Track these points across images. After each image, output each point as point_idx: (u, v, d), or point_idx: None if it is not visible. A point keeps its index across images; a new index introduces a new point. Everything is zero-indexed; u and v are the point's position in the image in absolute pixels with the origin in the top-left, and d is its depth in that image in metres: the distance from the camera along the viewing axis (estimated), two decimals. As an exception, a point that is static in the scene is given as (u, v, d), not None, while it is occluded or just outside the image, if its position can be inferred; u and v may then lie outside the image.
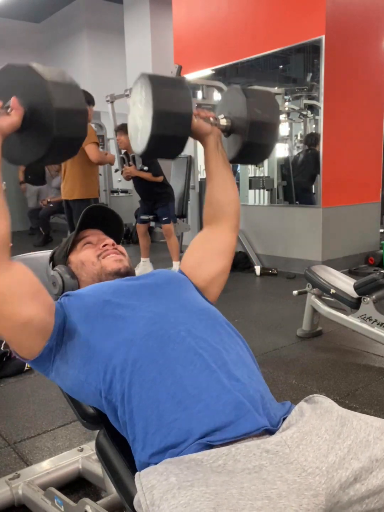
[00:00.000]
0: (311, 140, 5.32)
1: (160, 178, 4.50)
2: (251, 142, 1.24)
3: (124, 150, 4.62)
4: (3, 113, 0.94)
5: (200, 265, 1.20)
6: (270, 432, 0.85)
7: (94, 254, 1.18)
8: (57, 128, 0.95)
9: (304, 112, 5.37)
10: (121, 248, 1.23)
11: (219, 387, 0.87)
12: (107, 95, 4.60)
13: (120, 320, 0.97)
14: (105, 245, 1.19)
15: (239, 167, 5.95)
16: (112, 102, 4.58)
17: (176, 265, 4.61)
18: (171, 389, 0.87)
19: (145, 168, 4.45)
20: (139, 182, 4.61)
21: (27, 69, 0.96)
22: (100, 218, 1.26)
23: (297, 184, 5.32)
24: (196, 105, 4.63)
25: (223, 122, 1.27)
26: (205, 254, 1.21)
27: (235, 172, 6.01)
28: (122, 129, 4.54)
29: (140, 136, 1.14)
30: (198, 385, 0.87)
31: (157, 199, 4.58)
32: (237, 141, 1.26)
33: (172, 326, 0.96)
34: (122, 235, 1.33)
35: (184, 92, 1.13)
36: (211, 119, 1.24)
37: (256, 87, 1.32)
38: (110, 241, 1.21)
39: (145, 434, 0.85)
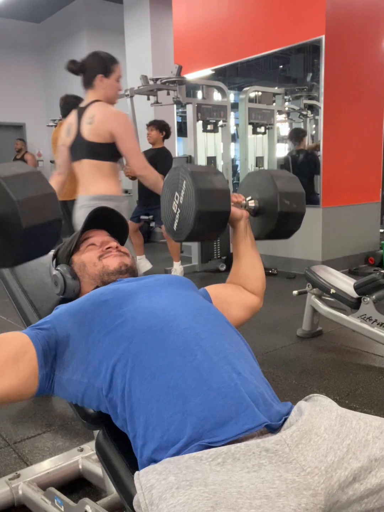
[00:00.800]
0: (295, 137, 5.32)
1: (159, 180, 4.50)
2: (279, 229, 1.33)
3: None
4: None
5: (227, 304, 1.23)
6: (271, 427, 0.85)
7: (96, 255, 1.18)
8: (26, 244, 0.93)
9: (304, 112, 5.37)
10: (124, 249, 1.23)
11: (220, 380, 0.87)
12: (126, 90, 4.65)
13: (119, 318, 0.97)
14: (108, 248, 1.19)
15: (239, 168, 5.95)
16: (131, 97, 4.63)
17: (176, 266, 4.61)
18: (171, 382, 0.86)
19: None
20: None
21: None
22: (105, 219, 1.26)
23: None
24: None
25: (252, 204, 1.35)
26: (235, 298, 1.27)
27: (234, 172, 6.01)
28: (154, 124, 4.65)
29: (177, 224, 1.22)
30: (198, 377, 0.87)
31: (158, 200, 4.57)
32: (264, 223, 1.35)
33: (172, 318, 0.96)
34: (127, 236, 1.33)
35: (224, 188, 1.19)
36: (242, 202, 1.32)
37: (282, 172, 1.38)
38: (114, 243, 1.21)
39: (145, 429, 0.85)
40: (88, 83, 2.33)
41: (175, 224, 1.23)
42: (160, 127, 4.75)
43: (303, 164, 5.16)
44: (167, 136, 4.87)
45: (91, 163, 2.34)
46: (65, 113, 4.08)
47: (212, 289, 1.25)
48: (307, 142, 5.36)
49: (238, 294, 1.28)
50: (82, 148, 2.35)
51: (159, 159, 4.53)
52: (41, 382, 0.95)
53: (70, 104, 4.04)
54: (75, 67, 2.31)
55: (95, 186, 2.39)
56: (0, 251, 0.96)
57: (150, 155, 4.66)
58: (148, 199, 4.68)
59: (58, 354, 0.97)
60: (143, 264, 4.68)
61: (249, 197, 1.35)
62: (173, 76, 4.54)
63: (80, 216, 2.46)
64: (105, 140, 2.27)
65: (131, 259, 1.22)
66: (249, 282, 1.30)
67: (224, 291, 1.28)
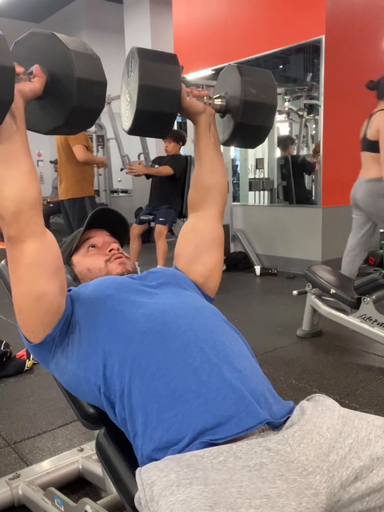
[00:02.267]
0: (283, 144, 5.38)
1: (169, 171, 4.52)
2: (244, 123, 1.18)
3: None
4: (26, 79, 0.95)
5: (194, 261, 1.19)
6: (272, 425, 0.86)
7: (102, 260, 1.19)
8: (77, 97, 0.95)
9: (301, 113, 5.39)
10: (125, 253, 1.24)
11: (220, 381, 0.87)
12: (107, 96, 4.60)
13: (121, 315, 0.97)
14: (111, 250, 1.20)
15: (239, 168, 5.95)
16: (109, 103, 4.57)
17: None
18: (171, 384, 0.87)
19: (156, 165, 4.49)
20: (158, 182, 4.67)
21: (51, 37, 0.96)
22: (107, 219, 1.26)
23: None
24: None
25: (218, 101, 1.21)
26: (196, 249, 1.19)
27: (234, 172, 6.01)
28: (170, 136, 4.61)
29: (129, 113, 1.12)
30: (197, 379, 0.87)
31: (166, 200, 4.60)
32: (230, 122, 1.21)
33: (172, 320, 0.96)
34: (128, 236, 1.33)
35: (173, 67, 1.10)
36: (205, 98, 1.19)
37: (253, 68, 1.26)
38: (115, 245, 1.21)
39: (145, 429, 0.86)
40: (380, 96, 3.62)
41: (127, 113, 1.13)
42: (177, 138, 4.73)
43: (294, 167, 5.23)
44: (183, 144, 4.88)
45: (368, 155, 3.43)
46: None
47: (177, 260, 1.22)
48: (297, 147, 5.45)
49: (195, 242, 1.19)
50: (364, 144, 3.48)
51: (177, 166, 4.56)
52: (47, 337, 0.97)
53: None
54: (372, 85, 3.61)
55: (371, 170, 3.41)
56: (52, 112, 0.99)
57: (166, 161, 4.69)
58: (154, 200, 4.70)
59: (68, 333, 0.99)
60: None
61: (217, 95, 1.23)
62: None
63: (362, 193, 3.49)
64: (375, 138, 3.38)
65: (133, 264, 1.23)
66: (208, 193, 1.20)
67: (184, 254, 1.21)
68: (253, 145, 1.29)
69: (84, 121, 1.05)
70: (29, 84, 0.94)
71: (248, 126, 1.19)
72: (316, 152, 4.98)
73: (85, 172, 4.07)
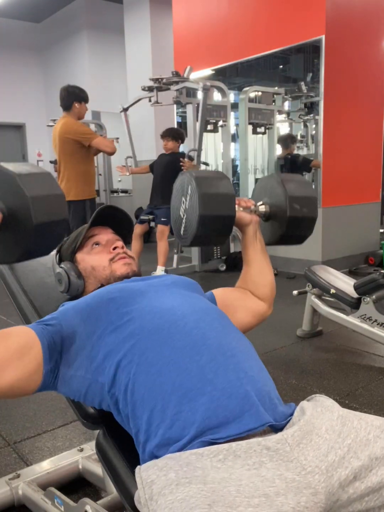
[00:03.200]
0: (285, 143, 5.38)
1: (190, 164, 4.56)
2: (289, 234, 1.30)
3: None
4: None
5: (233, 308, 1.22)
6: (275, 428, 0.86)
7: (107, 259, 1.18)
8: (34, 240, 0.94)
9: (300, 113, 5.40)
10: (130, 252, 1.23)
11: (225, 380, 0.87)
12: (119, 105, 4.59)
13: (126, 315, 0.97)
14: (115, 248, 1.20)
15: (239, 167, 5.95)
16: (125, 111, 4.59)
17: (159, 270, 4.56)
18: (177, 381, 0.87)
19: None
20: (160, 181, 4.68)
21: (11, 178, 0.93)
22: (111, 217, 1.26)
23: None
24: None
25: (262, 209, 1.32)
26: (242, 303, 1.25)
27: (234, 172, 6.01)
28: (168, 135, 4.64)
29: (184, 229, 1.22)
30: (203, 377, 0.87)
31: (165, 200, 4.60)
32: (275, 229, 1.32)
33: (179, 318, 0.96)
34: (131, 234, 1.34)
35: (229, 192, 1.19)
36: (251, 207, 1.30)
37: (293, 176, 1.37)
38: (120, 243, 1.21)
39: (149, 425, 0.86)
40: None
41: (182, 229, 1.23)
42: (176, 136, 4.73)
43: (294, 167, 5.24)
44: (182, 142, 4.87)
45: None
46: (66, 104, 3.91)
47: (219, 292, 1.25)
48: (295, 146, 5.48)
49: (244, 298, 1.27)
50: None
51: (177, 165, 4.55)
52: (45, 377, 0.95)
53: (72, 95, 3.93)
54: None
55: None
56: (6, 246, 0.98)
57: (166, 160, 4.68)
58: (155, 199, 4.70)
59: (64, 350, 0.98)
60: None
61: (260, 202, 1.34)
62: (185, 78, 4.52)
63: None
64: None
65: (137, 264, 1.23)
66: (257, 288, 1.28)
67: (231, 295, 1.27)
68: (294, 245, 1.40)
69: (40, 255, 1.04)
70: None
71: (292, 236, 1.32)
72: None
73: (87, 173, 3.99)
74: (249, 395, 0.86)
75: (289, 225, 1.27)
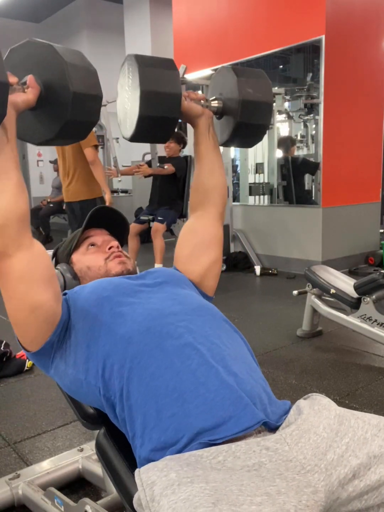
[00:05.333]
0: (285, 145, 5.39)
1: (171, 169, 4.55)
2: (243, 123, 1.19)
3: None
4: (19, 90, 0.93)
5: (191, 260, 1.20)
6: (268, 425, 0.86)
7: (102, 258, 1.18)
8: (72, 111, 0.94)
9: (291, 114, 5.41)
10: (125, 252, 1.23)
11: (217, 382, 0.87)
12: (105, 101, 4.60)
13: (119, 317, 0.98)
14: (110, 248, 1.19)
15: (239, 168, 5.95)
16: (104, 105, 4.57)
17: (157, 267, 4.58)
18: (170, 384, 0.87)
19: (166, 166, 4.52)
20: (159, 183, 4.69)
21: (48, 48, 0.95)
22: (106, 218, 1.26)
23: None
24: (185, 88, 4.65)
25: (215, 103, 1.23)
26: (194, 249, 1.20)
27: (234, 173, 6.01)
28: (173, 137, 4.63)
29: (129, 119, 1.12)
30: (196, 380, 0.87)
31: (166, 202, 4.61)
32: (229, 122, 1.22)
33: (170, 322, 0.96)
34: (127, 235, 1.33)
35: (172, 72, 1.10)
36: (202, 101, 1.21)
37: (246, 68, 1.26)
38: (115, 243, 1.21)
39: (143, 429, 0.86)
40: None
41: (127, 122, 1.13)
42: (179, 139, 4.74)
43: (296, 169, 5.25)
44: (184, 146, 4.89)
45: None
46: None
47: (176, 261, 1.23)
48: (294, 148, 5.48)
49: (194, 242, 1.20)
50: None
51: (178, 166, 4.58)
52: (46, 344, 0.97)
53: None
54: None
55: None
56: (44, 123, 0.98)
57: (166, 162, 4.69)
58: (154, 201, 4.72)
59: (66, 337, 0.99)
60: None
61: (213, 97, 1.26)
62: (180, 77, 4.53)
63: None
64: None
65: (133, 263, 1.23)
66: (208, 195, 1.21)
67: (182, 253, 1.22)
68: (252, 144, 1.30)
69: (78, 134, 1.04)
70: (22, 95, 0.92)
71: (248, 125, 1.20)
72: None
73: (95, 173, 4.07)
74: (241, 396, 0.86)
75: (242, 111, 1.16)
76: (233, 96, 1.18)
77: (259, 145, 5.34)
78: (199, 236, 1.20)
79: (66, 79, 0.92)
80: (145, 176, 4.83)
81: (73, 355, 0.97)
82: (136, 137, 1.12)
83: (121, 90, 1.16)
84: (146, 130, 1.12)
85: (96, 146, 3.98)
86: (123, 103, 1.15)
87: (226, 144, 1.27)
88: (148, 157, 4.65)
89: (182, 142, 4.79)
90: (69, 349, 0.98)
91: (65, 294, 1.08)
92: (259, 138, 1.28)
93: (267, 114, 1.22)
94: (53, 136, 0.98)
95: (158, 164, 4.70)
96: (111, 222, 1.27)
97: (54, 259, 1.26)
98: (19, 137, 1.00)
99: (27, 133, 1.03)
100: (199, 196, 1.22)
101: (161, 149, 5.07)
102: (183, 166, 4.72)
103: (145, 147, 5.82)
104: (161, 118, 1.09)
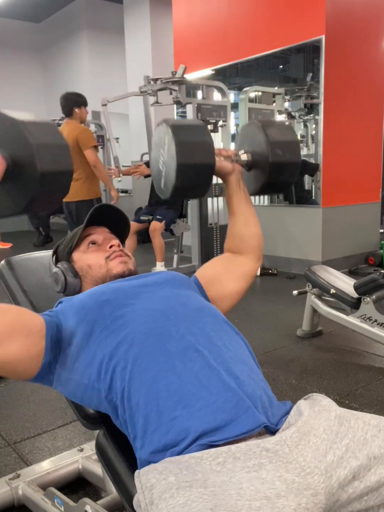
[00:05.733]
0: None
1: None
2: (272, 181, 1.26)
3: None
4: None
5: (218, 280, 1.21)
6: (269, 429, 0.86)
7: (103, 257, 1.17)
8: (39, 188, 0.92)
9: (293, 114, 5.41)
10: (127, 251, 1.23)
11: (219, 385, 0.87)
12: (103, 98, 4.59)
13: (120, 319, 0.97)
14: (111, 246, 1.19)
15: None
16: (105, 105, 4.58)
17: (159, 266, 4.59)
18: (171, 387, 0.87)
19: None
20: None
21: (17, 126, 0.91)
22: (107, 216, 1.26)
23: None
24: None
25: (244, 157, 1.28)
26: (226, 272, 1.24)
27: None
28: None
29: (164, 182, 1.18)
30: (197, 383, 0.87)
31: (164, 202, 4.62)
32: (258, 177, 1.28)
33: (172, 323, 0.96)
34: (128, 234, 1.33)
35: (207, 141, 1.15)
36: (232, 156, 1.26)
37: (275, 120, 1.32)
38: (116, 242, 1.20)
39: (144, 431, 0.85)
40: None
41: (162, 182, 1.19)
42: None
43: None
44: None
45: None
46: (66, 111, 4.05)
47: (201, 272, 1.24)
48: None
49: (228, 266, 1.25)
50: None
51: None
52: (42, 367, 0.95)
53: (71, 101, 4.03)
54: None
55: None
56: (11, 197, 0.96)
57: None
58: (153, 202, 4.72)
59: (62, 349, 0.98)
60: None
61: (242, 151, 1.29)
62: (179, 76, 4.53)
63: None
64: None
65: (134, 262, 1.22)
66: (244, 241, 1.26)
67: (213, 268, 1.25)
68: (279, 194, 1.37)
69: (46, 207, 1.03)
70: None
71: (275, 183, 1.28)
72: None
73: (93, 174, 4.08)
74: (243, 399, 0.86)
75: (272, 171, 1.23)
76: (263, 155, 1.24)
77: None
78: (235, 264, 1.25)
79: (34, 159, 0.90)
80: (145, 176, 4.83)
81: (74, 361, 0.97)
82: (171, 198, 1.19)
83: (155, 149, 1.21)
84: (181, 195, 1.22)
85: (95, 147, 4.00)
86: (157, 163, 1.20)
87: (253, 194, 1.33)
88: (146, 157, 4.64)
89: None
90: (70, 357, 0.97)
91: (61, 301, 1.07)
92: (286, 190, 1.37)
93: (295, 172, 1.28)
94: (18, 211, 0.97)
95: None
96: (112, 220, 1.26)
97: (54, 256, 1.26)
98: None
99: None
100: (236, 242, 1.27)
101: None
102: None
103: (144, 147, 5.83)
104: (195, 185, 1.18)
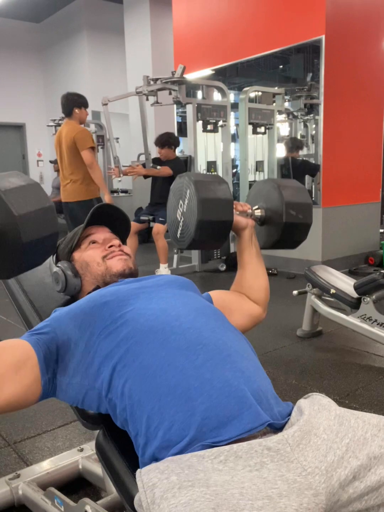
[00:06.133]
0: (292, 146, 5.38)
1: (169, 171, 4.56)
2: (284, 239, 1.31)
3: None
4: None
5: (230, 309, 1.21)
6: (273, 427, 0.85)
7: (100, 255, 1.17)
8: (24, 257, 0.92)
9: (296, 114, 5.41)
10: (126, 249, 1.22)
11: (223, 380, 0.86)
12: (103, 97, 4.59)
13: (120, 319, 0.96)
14: (111, 246, 1.18)
15: (239, 168, 5.95)
16: (105, 104, 4.58)
17: (162, 268, 4.59)
18: (173, 381, 0.86)
19: (158, 167, 4.53)
20: (159, 184, 4.71)
21: None
22: (108, 216, 1.25)
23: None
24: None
25: (258, 213, 1.33)
26: (236, 304, 1.25)
27: (233, 174, 6.01)
28: (159, 143, 4.69)
29: (180, 232, 1.22)
30: (200, 377, 0.86)
31: (165, 203, 4.62)
32: (270, 233, 1.33)
33: (173, 319, 0.95)
34: (129, 234, 1.33)
35: (227, 197, 1.18)
36: (248, 211, 1.30)
37: (289, 182, 1.36)
38: (116, 242, 1.20)
39: (147, 427, 0.85)
40: None
41: (179, 232, 1.23)
42: (169, 144, 4.73)
43: (297, 169, 5.24)
44: (176, 146, 4.87)
45: None
46: (66, 111, 4.07)
47: (215, 294, 1.24)
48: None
49: (240, 301, 1.27)
50: None
51: (177, 168, 4.58)
52: (44, 388, 0.95)
53: (71, 102, 4.04)
54: None
55: None
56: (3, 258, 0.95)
57: (164, 164, 4.69)
58: (154, 202, 4.73)
59: (59, 358, 0.97)
60: None
61: (256, 206, 1.34)
62: (178, 76, 4.53)
63: None
64: None
65: (134, 261, 1.21)
66: (252, 292, 1.28)
67: (227, 297, 1.27)
68: (289, 249, 1.41)
69: (33, 266, 1.03)
70: None
71: (287, 241, 1.33)
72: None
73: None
74: (246, 395, 0.85)
75: (284, 230, 1.28)
76: (277, 213, 1.29)
77: (259, 144, 5.35)
78: (245, 304, 1.27)
79: (17, 229, 0.88)
80: (145, 177, 4.83)
81: (74, 365, 0.96)
82: (189, 248, 1.24)
83: (174, 197, 1.26)
84: (199, 247, 1.28)
85: (93, 148, 4.00)
86: (174, 211, 1.25)
87: (263, 248, 1.37)
88: (143, 158, 4.65)
89: (173, 144, 4.79)
90: (68, 362, 0.97)
91: (56, 310, 1.07)
92: (295, 247, 1.40)
93: (306, 232, 1.33)
94: (5, 277, 0.99)
95: (151, 165, 4.71)
96: (113, 219, 1.26)
97: (54, 256, 1.25)
98: None
99: None
100: (244, 291, 1.29)
101: (154, 150, 5.08)
102: (182, 167, 4.72)
103: (142, 147, 5.83)
104: (214, 239, 1.22)
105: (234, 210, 1.23)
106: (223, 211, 1.18)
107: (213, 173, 5.00)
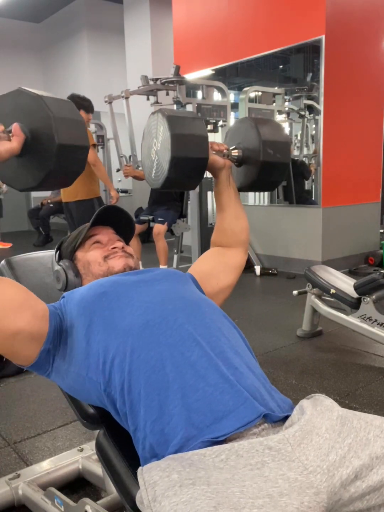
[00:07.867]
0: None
1: None
2: (261, 180, 1.28)
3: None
4: (4, 137, 0.93)
5: (213, 275, 1.23)
6: (270, 418, 0.86)
7: (102, 255, 1.18)
8: (56, 161, 0.95)
9: (302, 113, 5.39)
10: (129, 249, 1.23)
11: (217, 375, 0.88)
12: (106, 96, 4.59)
13: (117, 311, 0.98)
14: (114, 248, 1.19)
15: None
16: (110, 103, 4.58)
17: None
18: (170, 377, 0.87)
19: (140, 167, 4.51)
20: None
21: (36, 100, 0.94)
22: (113, 217, 1.26)
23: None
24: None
25: (235, 153, 1.29)
26: (218, 266, 1.26)
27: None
28: None
29: (155, 171, 1.18)
30: (196, 373, 0.88)
31: (164, 202, 4.62)
32: (247, 174, 1.30)
33: (169, 313, 0.97)
34: (133, 235, 1.33)
35: (202, 133, 1.15)
36: (224, 151, 1.27)
37: (268, 118, 1.36)
38: (120, 244, 1.21)
39: (146, 422, 0.86)
40: None
41: (153, 172, 1.19)
42: None
43: (295, 168, 5.25)
44: None
45: None
46: None
47: (195, 269, 1.26)
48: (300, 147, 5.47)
49: (220, 260, 1.27)
50: None
51: None
52: (40, 354, 0.96)
53: (74, 103, 4.03)
54: None
55: None
56: (29, 170, 0.99)
57: None
58: (153, 202, 4.72)
59: (62, 340, 0.99)
60: None
61: (233, 146, 1.30)
62: (172, 76, 4.53)
63: None
64: None
65: (135, 260, 1.22)
66: (234, 235, 1.29)
67: (207, 264, 1.28)
68: (266, 191, 1.39)
69: (62, 183, 1.06)
70: (6, 143, 0.93)
71: (264, 181, 1.29)
72: (314, 155, 4.99)
73: (93, 174, 4.06)
74: (240, 390, 0.87)
75: (262, 170, 1.25)
76: (254, 152, 1.25)
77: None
78: (226, 258, 1.27)
79: (52, 131, 0.93)
80: (136, 178, 4.82)
81: (73, 353, 0.97)
82: (162, 188, 1.19)
83: (148, 136, 1.21)
84: (173, 186, 1.22)
85: (94, 146, 4.00)
86: (149, 150, 1.20)
87: (241, 190, 1.34)
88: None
89: None
90: (69, 348, 0.98)
91: (64, 296, 1.08)
92: (273, 189, 1.38)
93: (284, 172, 1.30)
94: (36, 184, 0.99)
95: (137, 165, 4.69)
96: (117, 220, 1.27)
97: (57, 253, 1.26)
98: (2, 181, 1.03)
99: (12, 179, 1.03)
100: (226, 236, 1.30)
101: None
102: None
103: (137, 148, 5.82)
104: (188, 178, 1.18)
105: (210, 149, 1.21)
106: (198, 148, 1.14)
107: None
